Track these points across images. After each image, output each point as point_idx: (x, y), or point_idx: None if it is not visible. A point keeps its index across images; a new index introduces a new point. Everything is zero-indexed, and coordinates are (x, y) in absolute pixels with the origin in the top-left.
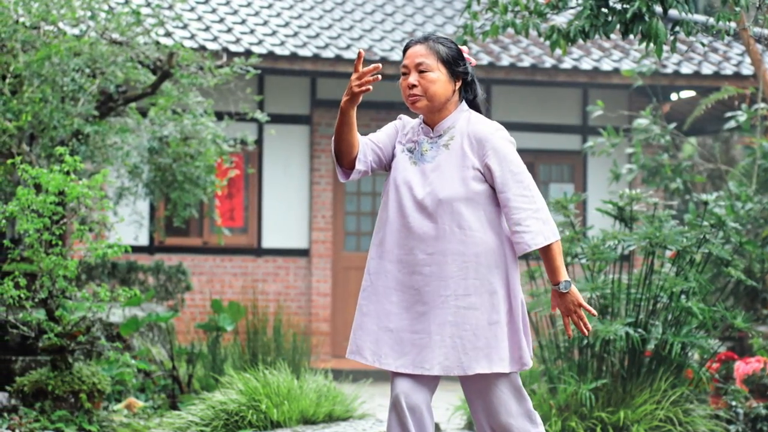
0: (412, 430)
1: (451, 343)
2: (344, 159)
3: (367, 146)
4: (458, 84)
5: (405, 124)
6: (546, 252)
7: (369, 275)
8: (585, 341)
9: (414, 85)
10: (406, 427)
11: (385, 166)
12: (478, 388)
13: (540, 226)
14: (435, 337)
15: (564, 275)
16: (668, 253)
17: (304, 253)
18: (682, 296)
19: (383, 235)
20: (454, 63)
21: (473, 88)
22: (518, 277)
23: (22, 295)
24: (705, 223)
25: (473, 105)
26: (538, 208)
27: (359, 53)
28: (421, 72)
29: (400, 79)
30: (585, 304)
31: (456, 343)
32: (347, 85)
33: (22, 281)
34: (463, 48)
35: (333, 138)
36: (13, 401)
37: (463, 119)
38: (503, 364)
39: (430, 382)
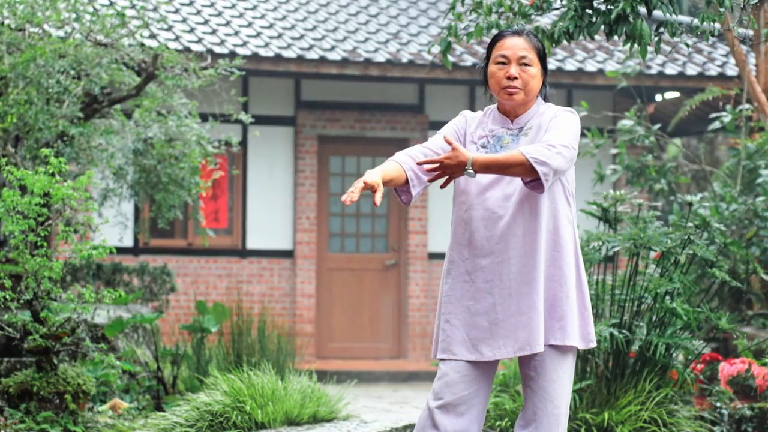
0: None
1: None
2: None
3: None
4: (543, 79)
5: (469, 122)
6: (518, 156)
7: (468, 275)
8: None
9: (515, 77)
10: (434, 422)
11: None
12: (542, 363)
13: (542, 150)
14: (541, 311)
15: (484, 170)
16: (652, 254)
17: (288, 254)
18: (667, 297)
19: (470, 234)
20: (545, 59)
21: (546, 83)
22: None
23: (7, 297)
24: (689, 224)
25: (546, 100)
26: (559, 151)
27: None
28: (523, 65)
29: (489, 67)
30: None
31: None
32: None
33: (7, 282)
34: None
35: None
36: None
37: (541, 110)
38: (574, 339)
39: (487, 374)
